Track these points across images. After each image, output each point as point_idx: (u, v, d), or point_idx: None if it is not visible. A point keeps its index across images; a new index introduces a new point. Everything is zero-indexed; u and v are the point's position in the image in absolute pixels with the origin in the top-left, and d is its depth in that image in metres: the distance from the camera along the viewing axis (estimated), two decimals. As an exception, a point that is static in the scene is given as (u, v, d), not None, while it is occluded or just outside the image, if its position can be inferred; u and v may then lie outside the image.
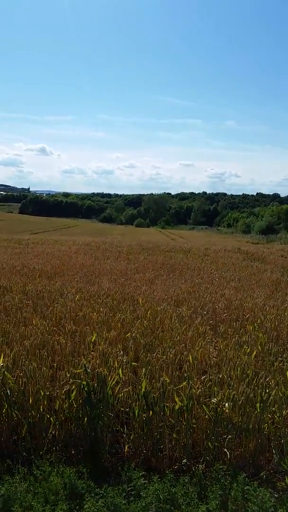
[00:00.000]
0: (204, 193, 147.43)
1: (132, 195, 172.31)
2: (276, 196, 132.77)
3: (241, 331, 7.52)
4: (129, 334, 7.02)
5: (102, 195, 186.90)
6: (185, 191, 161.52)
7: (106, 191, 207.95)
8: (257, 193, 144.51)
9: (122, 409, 5.01)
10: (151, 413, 4.78)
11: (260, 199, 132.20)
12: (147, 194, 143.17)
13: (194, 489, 4.09)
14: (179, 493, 3.97)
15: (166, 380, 5.06)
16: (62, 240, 29.26)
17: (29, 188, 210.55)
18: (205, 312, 8.79)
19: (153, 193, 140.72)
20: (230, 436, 4.64)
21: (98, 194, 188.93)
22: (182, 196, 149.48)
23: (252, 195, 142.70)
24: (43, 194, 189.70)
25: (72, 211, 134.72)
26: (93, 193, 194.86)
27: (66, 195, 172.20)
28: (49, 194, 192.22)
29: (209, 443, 4.67)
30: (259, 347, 6.75)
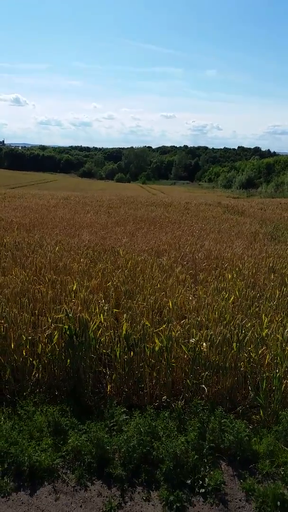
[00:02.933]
0: (186, 146, 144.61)
1: (112, 148, 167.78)
2: (257, 150, 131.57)
3: (220, 278, 7.66)
4: (110, 283, 7.07)
5: (81, 149, 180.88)
6: (166, 145, 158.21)
7: (84, 144, 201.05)
8: (239, 147, 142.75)
9: (104, 351, 5.13)
10: (132, 354, 4.92)
11: (241, 153, 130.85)
12: (128, 148, 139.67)
13: (173, 423, 4.31)
14: (159, 427, 4.18)
15: (146, 324, 5.18)
16: (40, 194, 28.56)
17: (3, 141, 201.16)
18: (185, 262, 8.90)
19: (134, 146, 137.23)
20: (207, 373, 4.85)
21: (76, 148, 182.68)
22: (163, 150, 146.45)
23: (234, 149, 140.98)
24: (18, 147, 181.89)
25: (49, 165, 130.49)
26: (71, 146, 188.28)
27: (42, 148, 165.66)
28: (25, 147, 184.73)
29: (188, 381, 4.87)
30: (237, 293, 6.92)
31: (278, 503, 3.46)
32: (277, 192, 49.89)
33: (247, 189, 56.91)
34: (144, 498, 3.52)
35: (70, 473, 3.72)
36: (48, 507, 3.37)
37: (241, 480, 3.75)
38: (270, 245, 11.61)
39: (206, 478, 3.69)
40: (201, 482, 3.68)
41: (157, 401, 4.87)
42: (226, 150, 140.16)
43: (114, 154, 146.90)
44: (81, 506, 3.40)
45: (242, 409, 4.72)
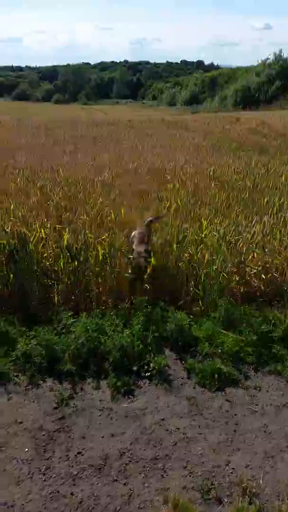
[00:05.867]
0: (126, 61, 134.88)
1: (47, 67, 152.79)
2: (200, 63, 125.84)
3: (162, 188, 7.68)
4: (50, 201, 6.86)
5: (12, 69, 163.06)
6: (105, 60, 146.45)
7: (16, 64, 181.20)
8: (181, 61, 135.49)
9: (47, 263, 5.12)
10: (76, 263, 4.95)
11: (184, 67, 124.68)
12: (64, 65, 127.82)
13: (120, 320, 4.53)
14: (106, 324, 4.39)
15: (88, 234, 5.17)
16: None
17: None
18: (128, 175, 8.76)
19: (70, 63, 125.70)
20: (150, 276, 5.03)
21: (6, 68, 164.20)
22: (102, 66, 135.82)
23: (176, 63, 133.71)
24: None
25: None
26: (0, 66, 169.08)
27: None
28: None
29: (133, 284, 5.05)
30: (179, 202, 7.01)
31: (216, 375, 3.86)
32: (221, 106, 48.95)
33: (191, 105, 55.24)
34: (94, 387, 3.78)
35: (21, 375, 3.87)
36: (1, 406, 3.53)
37: (183, 362, 4.11)
38: (212, 155, 11.64)
39: (151, 363, 3.99)
40: (146, 367, 3.99)
41: (104, 305, 5.05)
42: (168, 64, 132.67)
43: (49, 73, 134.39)
44: (34, 401, 3.59)
45: (183, 303, 5.02)
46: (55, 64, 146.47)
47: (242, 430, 3.32)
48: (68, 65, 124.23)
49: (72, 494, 2.79)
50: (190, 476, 2.92)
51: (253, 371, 3.99)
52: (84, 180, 8.02)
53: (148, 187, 7.91)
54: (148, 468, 2.97)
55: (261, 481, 2.87)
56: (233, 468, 2.98)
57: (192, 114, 41.06)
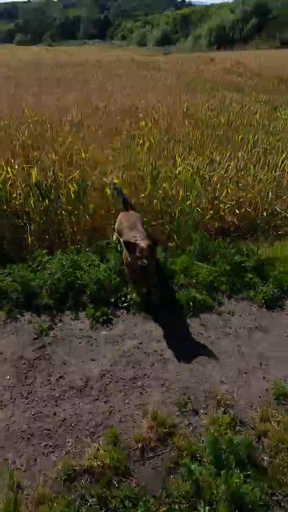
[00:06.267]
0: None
1: (5, 3, 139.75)
2: (171, 1, 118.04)
3: (134, 127, 7.43)
4: (16, 141, 6.53)
5: None
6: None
7: None
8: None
9: (17, 202, 4.97)
10: (47, 202, 4.82)
11: (154, 5, 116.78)
12: (24, 2, 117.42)
13: (96, 255, 4.52)
14: (82, 260, 4.37)
15: (57, 171, 5.00)
16: None
17: None
18: (98, 115, 8.39)
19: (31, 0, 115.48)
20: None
21: None
22: (66, 3, 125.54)
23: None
24: None
25: None
26: None
27: None
28: None
29: (108, 222, 5.00)
30: (152, 140, 6.81)
31: (191, 303, 3.97)
32: (195, 46, 46.75)
33: (163, 46, 52.46)
34: (73, 318, 3.83)
35: (-1, 311, 3.86)
36: (-21, 341, 3.54)
37: (160, 292, 4.18)
38: (186, 95, 11.23)
39: (128, 295, 4.05)
40: (123, 298, 4.05)
41: (79, 243, 5.00)
42: (138, 1, 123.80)
43: (8, 11, 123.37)
44: (13, 334, 3.62)
45: (160, 240, 5.03)
46: (14, 0, 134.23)
47: (216, 350, 3.47)
48: (29, 1, 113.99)
49: (55, 414, 2.90)
50: (167, 392, 3.07)
51: (226, 298, 4.12)
52: (51, 119, 7.63)
53: (120, 126, 7.62)
54: (127, 387, 3.10)
55: (235, 395, 3.05)
56: (209, 384, 3.14)
57: (164, 55, 39.13)
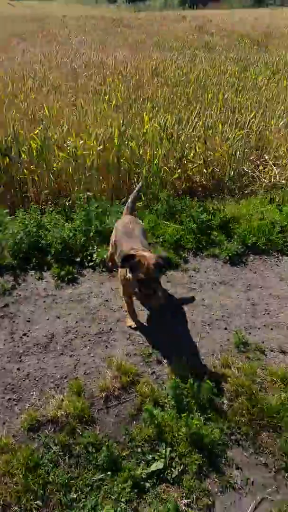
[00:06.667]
0: None
1: None
2: None
3: (100, 82, 7.14)
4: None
5: None
6: None
7: None
8: None
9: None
10: (7, 160, 4.63)
11: None
12: None
13: (60, 215, 4.42)
14: (46, 220, 4.27)
15: (18, 128, 4.77)
16: None
17: None
18: (63, 71, 8.00)
19: None
20: (90, 173, 4.85)
21: None
22: None
23: None
24: None
25: None
26: None
27: None
28: None
29: (73, 182, 4.87)
30: (119, 97, 6.59)
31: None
32: (166, 4, 44.77)
33: (134, 3, 49.93)
34: (37, 278, 3.76)
35: None
36: None
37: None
38: (156, 52, 10.85)
39: (94, 255, 4.01)
40: (89, 258, 4.00)
41: (43, 204, 4.87)
42: None
43: None
44: (-26, 298, 3.53)
45: (126, 199, 4.96)
46: None
47: (181, 305, 3.52)
48: None
49: (18, 369, 2.89)
50: (132, 345, 3.11)
51: (192, 256, 4.15)
52: (12, 75, 7.22)
53: (86, 82, 7.31)
54: (93, 342, 3.12)
55: (198, 344, 3.11)
56: (173, 336, 3.20)
57: (135, 13, 37.35)
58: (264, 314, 3.39)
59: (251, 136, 5.68)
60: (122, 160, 5.09)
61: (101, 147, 4.89)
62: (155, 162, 4.83)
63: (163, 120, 5.11)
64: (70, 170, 4.92)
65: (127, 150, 5.12)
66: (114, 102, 6.30)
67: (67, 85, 7.16)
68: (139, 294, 2.74)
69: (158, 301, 2.84)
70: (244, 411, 2.55)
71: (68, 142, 4.79)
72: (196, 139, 5.35)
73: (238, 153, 5.26)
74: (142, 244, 3.11)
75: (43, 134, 4.78)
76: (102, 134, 5.01)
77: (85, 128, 5.33)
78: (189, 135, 5.35)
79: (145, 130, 5.32)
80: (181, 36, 14.93)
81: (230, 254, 4.08)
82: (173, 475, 2.26)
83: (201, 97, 6.82)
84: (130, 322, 3.25)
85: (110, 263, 3.83)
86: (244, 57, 10.65)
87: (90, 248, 4.09)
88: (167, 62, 9.26)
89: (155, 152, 5.01)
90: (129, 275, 2.75)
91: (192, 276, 3.87)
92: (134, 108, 6.11)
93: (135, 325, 3.22)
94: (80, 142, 4.82)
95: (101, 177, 5.11)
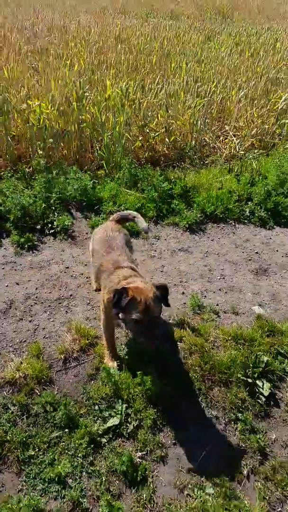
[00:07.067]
0: None
1: None
2: None
3: (62, 46, 6.86)
4: None
5: None
6: None
7: None
8: None
9: None
10: None
11: None
12: None
13: (20, 182, 4.32)
14: (4, 186, 4.16)
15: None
16: None
17: None
18: (24, 34, 7.61)
19: None
20: (52, 139, 4.72)
21: None
22: None
23: None
24: None
25: None
26: None
27: None
28: None
29: (34, 146, 4.73)
30: (81, 62, 6.37)
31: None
32: None
33: None
34: (-4, 244, 3.70)
35: None
36: None
37: (87, 220, 4.15)
38: (120, 19, 10.49)
39: (55, 222, 3.97)
40: (50, 225, 3.97)
41: (3, 170, 4.72)
42: None
43: None
44: None
45: (88, 168, 4.90)
46: None
47: (142, 271, 3.57)
48: None
49: (-23, 334, 2.88)
50: (92, 310, 3.15)
51: (153, 224, 4.19)
52: None
53: (47, 46, 7.00)
54: (53, 307, 3.13)
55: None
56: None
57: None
58: (219, 278, 3.52)
59: (213, 107, 5.69)
60: (83, 126, 4.99)
61: (58, 110, 4.75)
62: (117, 128, 4.76)
63: (125, 85, 5.01)
64: (28, 135, 4.76)
65: (88, 116, 5.01)
66: (76, 67, 6.08)
67: (28, 48, 6.83)
68: (137, 336, 2.23)
69: (158, 341, 2.26)
70: (197, 368, 2.68)
71: (23, 105, 4.62)
72: (159, 107, 5.30)
73: (200, 122, 5.27)
74: (128, 258, 2.59)
75: (2, 96, 4.58)
76: (60, 98, 4.86)
77: (46, 93, 5.14)
78: (151, 103, 5.29)
79: (107, 96, 5.21)
80: (146, 2, 14.45)
81: (189, 222, 4.15)
82: (129, 430, 2.36)
83: (165, 65, 6.71)
84: (111, 362, 2.61)
85: (95, 284, 3.07)
86: (208, 28, 10.50)
87: (51, 215, 4.04)
88: (132, 29, 8.98)
89: (117, 119, 4.93)
90: (121, 316, 2.17)
91: (153, 243, 3.93)
92: (97, 75, 5.94)
93: (116, 366, 2.58)
94: (35, 105, 4.65)
95: (61, 144, 5.00)
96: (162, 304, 2.24)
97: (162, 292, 2.21)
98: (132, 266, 2.52)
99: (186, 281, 3.47)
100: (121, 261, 2.53)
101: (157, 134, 5.14)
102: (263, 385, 2.53)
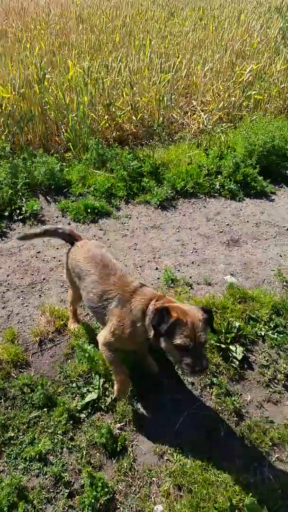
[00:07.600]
0: None
1: None
2: None
3: (23, 29, 6.65)
4: None
5: None
6: None
7: None
8: None
9: None
10: None
11: None
12: None
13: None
14: None
15: None
16: None
17: None
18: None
19: None
20: (12, 123, 4.61)
21: None
22: None
23: None
24: None
25: None
26: None
27: None
28: None
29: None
30: (42, 44, 6.20)
31: (89, 210, 3.96)
32: None
33: None
34: None
35: None
36: None
37: (57, 203, 4.10)
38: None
39: (23, 207, 3.91)
40: (18, 211, 3.90)
41: None
42: None
43: None
44: None
45: (55, 151, 4.81)
46: None
47: (115, 250, 3.57)
48: None
49: None
50: (66, 292, 3.13)
51: (124, 203, 4.17)
52: None
53: (5, 28, 6.78)
54: (26, 292, 3.11)
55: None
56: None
57: None
58: (192, 252, 3.55)
59: (179, 83, 5.64)
60: (47, 109, 4.89)
61: (20, 93, 4.64)
62: (81, 108, 4.68)
63: (87, 64, 4.91)
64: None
65: (51, 98, 4.91)
66: (37, 50, 5.92)
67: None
68: (180, 365, 1.86)
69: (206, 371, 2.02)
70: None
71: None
72: (123, 85, 5.23)
73: (166, 98, 5.23)
74: (129, 276, 2.22)
75: None
76: (20, 82, 4.74)
77: (6, 77, 4.99)
78: (115, 81, 5.21)
79: (69, 77, 5.10)
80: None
81: (160, 199, 4.15)
82: (107, 403, 2.38)
83: (128, 44, 6.59)
84: (122, 386, 2.23)
85: (72, 316, 2.76)
86: (172, 3, 10.32)
87: (19, 201, 3.98)
88: (92, 8, 8.77)
89: (81, 99, 4.84)
90: (162, 342, 1.89)
91: (124, 223, 3.91)
92: (59, 56, 5.80)
93: (127, 392, 2.31)
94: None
95: (26, 128, 4.89)
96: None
97: (210, 315, 1.92)
98: (167, 296, 2.10)
99: (159, 257, 3.48)
100: (133, 282, 2.15)
101: (123, 112, 5.07)
102: (236, 349, 2.58)
